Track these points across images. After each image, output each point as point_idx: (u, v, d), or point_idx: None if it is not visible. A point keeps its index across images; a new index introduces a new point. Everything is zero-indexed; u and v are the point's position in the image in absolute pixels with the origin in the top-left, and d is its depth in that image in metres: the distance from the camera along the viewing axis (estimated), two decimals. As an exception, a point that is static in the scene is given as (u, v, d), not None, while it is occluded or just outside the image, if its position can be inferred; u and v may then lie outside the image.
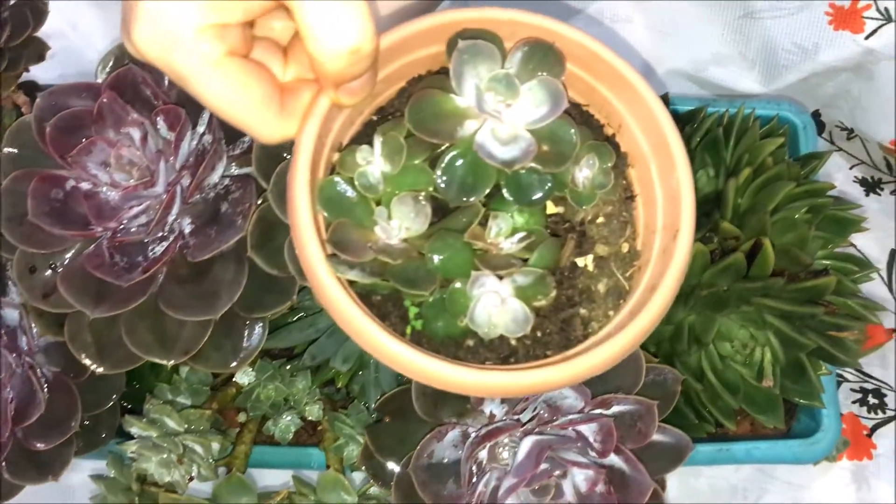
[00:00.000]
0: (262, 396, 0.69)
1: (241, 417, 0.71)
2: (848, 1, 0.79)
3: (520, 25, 0.46)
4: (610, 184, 0.46)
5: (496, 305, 0.43)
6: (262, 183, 0.58)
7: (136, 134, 0.59)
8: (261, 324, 0.62)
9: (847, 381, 0.94)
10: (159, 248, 0.58)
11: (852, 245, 0.94)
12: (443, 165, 0.44)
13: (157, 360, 0.59)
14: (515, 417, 0.60)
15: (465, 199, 0.44)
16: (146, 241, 0.59)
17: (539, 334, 0.45)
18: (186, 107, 0.59)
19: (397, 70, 0.48)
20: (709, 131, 0.69)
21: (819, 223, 0.68)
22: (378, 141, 0.44)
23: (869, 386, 0.94)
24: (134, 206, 0.58)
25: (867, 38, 0.81)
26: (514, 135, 0.44)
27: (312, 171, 0.43)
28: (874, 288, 0.97)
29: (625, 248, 0.48)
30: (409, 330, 0.45)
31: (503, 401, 0.60)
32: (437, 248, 0.43)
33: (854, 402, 0.94)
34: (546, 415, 0.60)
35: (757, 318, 0.64)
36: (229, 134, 0.60)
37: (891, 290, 0.97)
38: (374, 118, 0.49)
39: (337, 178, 0.45)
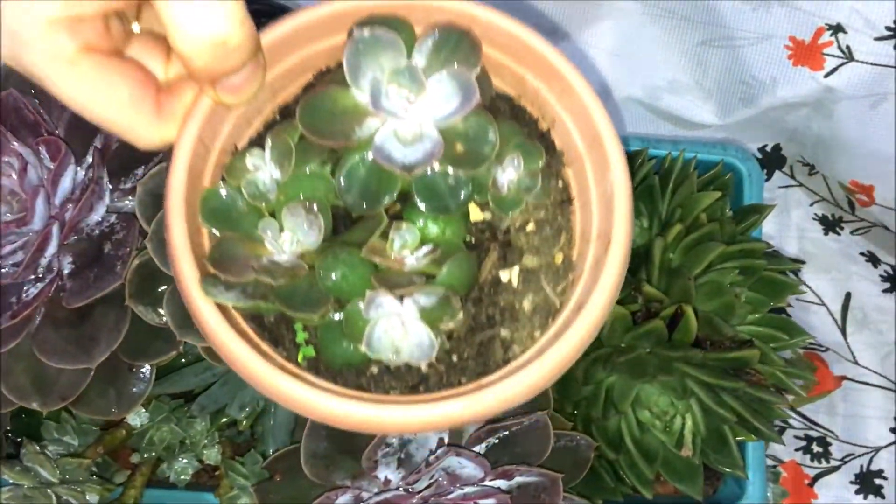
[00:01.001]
0: (155, 438, 0.65)
1: (135, 458, 0.66)
2: (808, 35, 0.74)
3: (435, 10, 0.42)
4: (537, 187, 0.43)
5: (397, 329, 0.39)
6: (144, 226, 0.53)
7: (15, 164, 0.54)
8: (147, 369, 0.60)
9: (792, 427, 0.94)
10: (34, 290, 0.53)
11: (788, 306, 0.89)
12: (343, 171, 0.40)
13: (32, 407, 0.54)
14: (411, 485, 0.58)
15: (369, 206, 0.40)
16: (21, 281, 0.54)
17: (454, 359, 0.41)
18: (75, 137, 0.53)
19: (299, 63, 0.44)
20: (646, 178, 0.64)
21: (752, 285, 0.67)
22: (268, 144, 0.41)
23: (814, 434, 0.93)
24: (8, 243, 0.53)
25: (826, 76, 0.78)
26: (419, 134, 0.40)
27: (193, 179, 0.40)
28: (827, 333, 0.96)
29: (559, 258, 0.44)
30: (300, 358, 0.41)
31: (399, 465, 0.58)
32: (328, 265, 0.39)
33: (798, 450, 0.93)
34: (445, 482, 0.58)
35: (678, 387, 0.61)
36: (124, 164, 0.55)
37: (844, 334, 0.96)
38: (277, 118, 0.45)
39: (222, 188, 0.41)
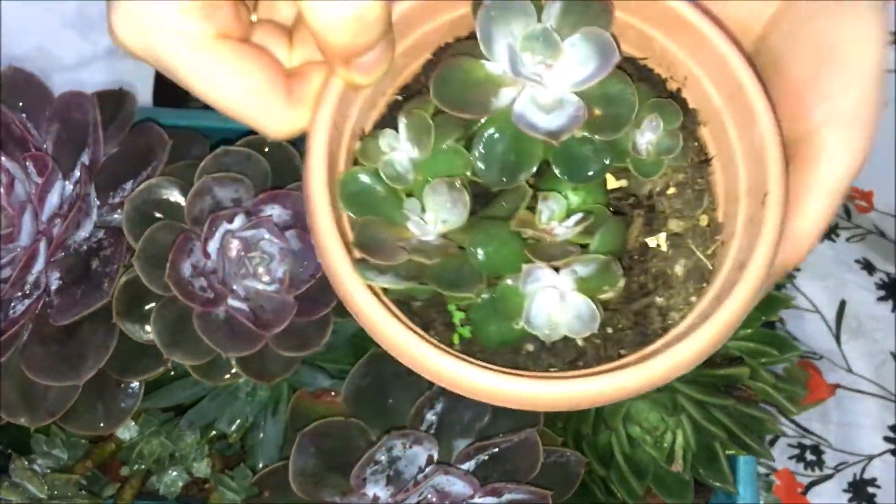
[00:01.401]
0: (145, 451, 0.64)
1: (125, 471, 0.66)
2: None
3: None
4: (678, 147, 0.41)
5: (555, 302, 0.38)
6: (132, 243, 0.53)
7: (2, 179, 0.53)
8: (136, 384, 0.61)
9: (785, 435, 0.93)
10: (21, 307, 0.53)
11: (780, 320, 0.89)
12: (479, 144, 0.39)
13: (20, 423, 0.54)
14: (400, 503, 0.58)
15: (508, 180, 0.39)
16: (9, 298, 0.53)
17: (610, 331, 0.40)
18: (63, 152, 0.53)
19: (419, 40, 0.43)
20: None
21: None
22: (402, 123, 0.39)
23: (807, 442, 0.93)
24: (-4, 259, 0.53)
25: None
26: (559, 99, 0.38)
27: (330, 164, 0.39)
28: (821, 340, 0.96)
29: (703, 221, 0.42)
30: (455, 339, 0.40)
31: (388, 482, 0.58)
32: (479, 241, 0.38)
33: (791, 458, 0.92)
34: (434, 500, 0.58)
35: (668, 403, 0.61)
36: (113, 178, 0.54)
37: (838, 342, 0.96)
38: (399, 98, 0.44)
39: (359, 171, 0.40)
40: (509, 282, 0.38)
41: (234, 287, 0.56)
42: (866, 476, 0.89)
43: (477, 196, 0.40)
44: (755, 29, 0.44)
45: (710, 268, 0.41)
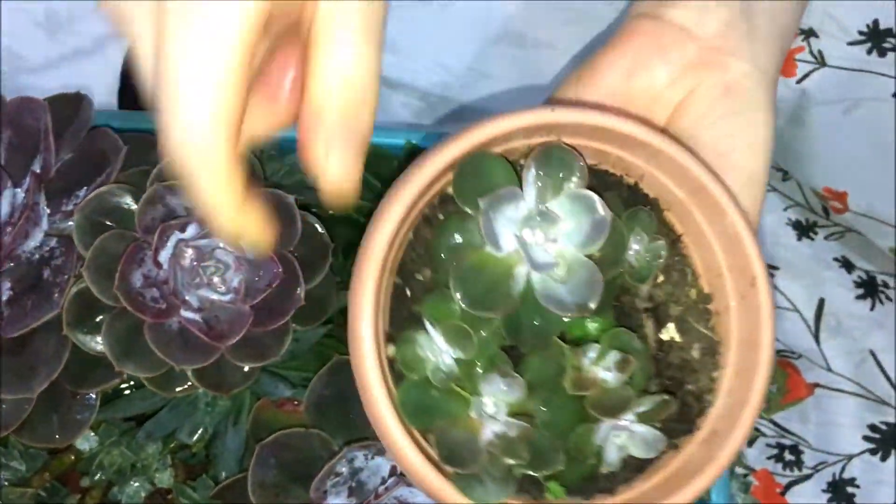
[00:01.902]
0: (105, 462, 0.63)
1: (86, 482, 0.64)
2: (780, 43, 0.72)
3: (519, 131, 0.44)
4: (664, 250, 0.46)
5: (624, 440, 0.44)
6: (82, 252, 0.51)
7: (-47, 187, 0.52)
8: (93, 395, 0.60)
9: (764, 435, 0.92)
10: (-31, 318, 0.51)
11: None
12: (509, 325, 0.43)
13: (-29, 436, 0.53)
14: None
15: (541, 345, 0.43)
16: (-41, 308, 0.52)
17: (659, 426, 0.45)
18: (14, 160, 0.51)
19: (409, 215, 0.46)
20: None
21: None
22: (435, 330, 0.43)
23: (786, 441, 0.91)
24: (-56, 270, 0.51)
25: (798, 81, 0.74)
26: (572, 268, 0.42)
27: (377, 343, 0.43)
28: (800, 339, 0.94)
29: (692, 294, 0.47)
30: (553, 497, 0.45)
31: (350, 494, 0.58)
32: (547, 419, 0.43)
33: (769, 458, 0.91)
34: None
35: None
36: (66, 185, 0.52)
37: (817, 340, 0.93)
38: (399, 282, 0.46)
39: (412, 386, 0.43)
40: (586, 434, 0.43)
41: (188, 297, 0.55)
42: (846, 476, 0.88)
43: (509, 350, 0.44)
44: (665, 112, 0.50)
45: (718, 340, 0.46)
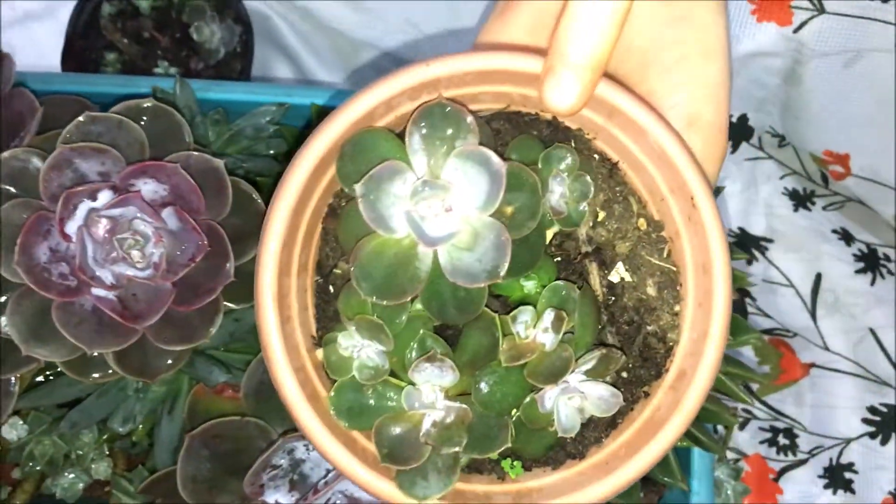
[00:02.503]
0: (36, 452, 0.59)
1: (17, 474, 0.60)
2: (774, -12, 0.67)
3: (400, 95, 0.40)
4: (591, 187, 0.42)
5: (578, 403, 0.41)
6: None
7: None
8: (12, 381, 0.56)
9: (756, 418, 0.88)
10: None
11: (750, 286, 0.81)
12: (430, 305, 0.39)
13: None
14: None
15: (471, 315, 0.40)
16: None
17: (626, 375, 0.43)
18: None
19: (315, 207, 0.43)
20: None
21: None
22: (353, 328, 0.40)
23: (780, 425, 0.87)
24: None
25: (795, 31, 0.69)
26: (477, 232, 0.38)
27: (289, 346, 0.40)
28: (795, 317, 0.89)
29: (642, 225, 0.44)
30: (513, 474, 0.43)
31: (293, 487, 0.54)
32: (485, 397, 0.40)
33: (762, 443, 0.87)
34: None
35: None
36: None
37: (813, 318, 0.89)
38: (320, 279, 0.44)
39: (341, 389, 0.41)
40: (532, 404, 0.40)
41: (100, 274, 0.49)
42: (843, 460, 0.84)
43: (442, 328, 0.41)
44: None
45: (675, 269, 0.43)
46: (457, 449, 0.39)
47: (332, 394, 0.41)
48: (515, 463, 0.43)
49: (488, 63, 0.40)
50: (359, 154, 0.39)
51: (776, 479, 0.84)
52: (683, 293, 0.42)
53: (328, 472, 0.55)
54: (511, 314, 0.40)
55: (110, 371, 0.53)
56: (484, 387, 0.39)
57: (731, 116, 0.84)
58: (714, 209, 0.40)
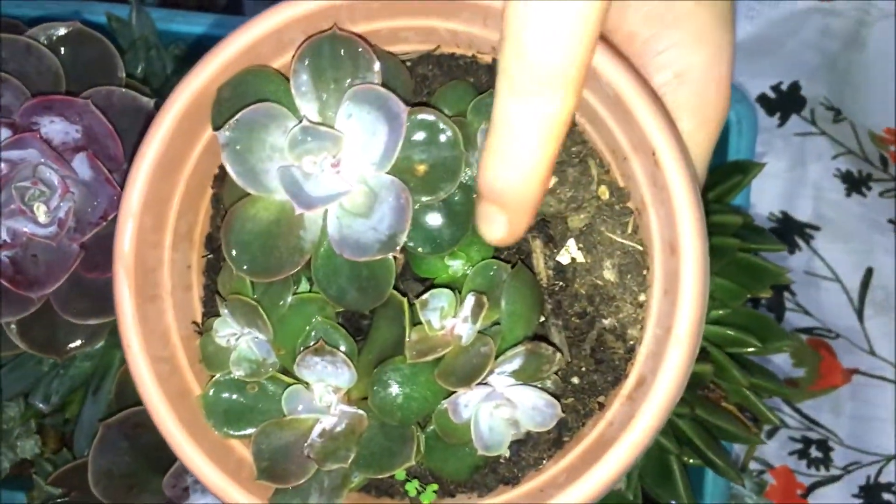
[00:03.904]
0: (-45, 425, 0.51)
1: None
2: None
3: (290, 27, 0.33)
4: None
5: (504, 413, 0.33)
6: None
7: None
8: None
9: (787, 426, 0.79)
10: None
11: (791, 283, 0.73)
12: (325, 283, 0.32)
13: None
14: None
15: (376, 300, 0.33)
16: None
17: (576, 381, 0.34)
18: None
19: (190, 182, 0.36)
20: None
21: (722, 270, 0.50)
22: (225, 312, 0.33)
23: (814, 435, 0.79)
24: None
25: None
26: (373, 193, 0.31)
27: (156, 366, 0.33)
28: (839, 315, 0.80)
29: (604, 193, 0.35)
30: (414, 492, 0.35)
31: None
32: (385, 399, 0.32)
33: (792, 454, 0.79)
34: None
35: None
36: None
37: (860, 318, 0.80)
38: (210, 256, 0.36)
39: (215, 388, 0.34)
40: (444, 412, 0.32)
41: (-9, 230, 0.40)
42: (882, 479, 0.76)
43: (350, 321, 0.34)
44: None
45: (641, 248, 0.34)
46: (343, 465, 0.32)
47: (207, 392, 0.34)
48: (429, 487, 0.34)
49: None
50: (237, 99, 0.32)
51: (805, 496, 0.76)
52: (650, 279, 0.34)
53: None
54: (424, 298, 0.32)
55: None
56: (382, 388, 0.32)
57: (780, 84, 0.76)
58: (683, 169, 0.31)
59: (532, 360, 0.32)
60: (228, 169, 0.30)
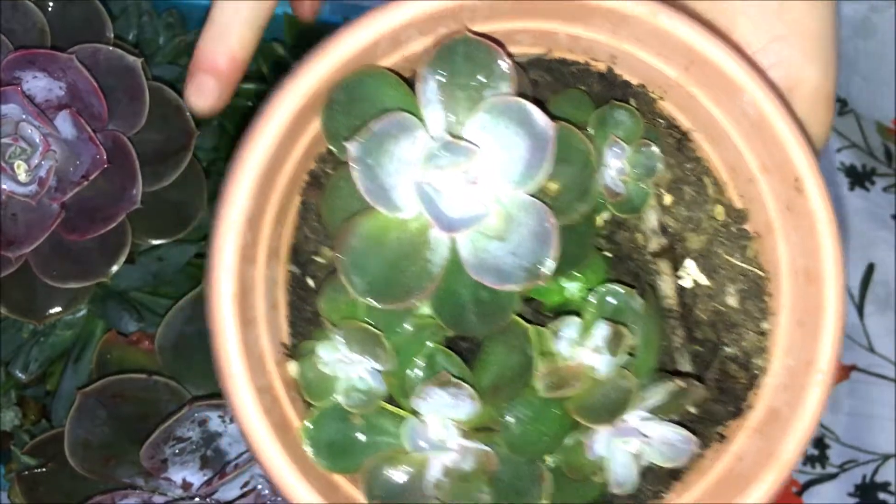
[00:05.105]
0: (-69, 393, 0.50)
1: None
2: None
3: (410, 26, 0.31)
4: (657, 162, 0.33)
5: (633, 447, 0.32)
6: None
7: None
8: None
9: None
10: None
11: None
12: (439, 306, 0.30)
13: None
14: (213, 492, 0.47)
15: (496, 325, 0.31)
16: None
17: (695, 410, 0.33)
18: None
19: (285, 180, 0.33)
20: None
21: None
22: (339, 337, 0.31)
23: None
24: None
25: None
26: (511, 216, 0.29)
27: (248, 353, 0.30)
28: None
29: (719, 213, 0.34)
30: None
31: (205, 464, 0.46)
32: (515, 438, 0.30)
33: None
34: (268, 492, 0.47)
35: None
36: None
37: (860, 314, 0.80)
38: (297, 271, 0.34)
39: (321, 419, 0.32)
40: (579, 447, 0.31)
41: (-34, 188, 0.39)
42: (878, 479, 0.76)
43: (456, 342, 0.32)
44: None
45: (762, 273, 0.33)
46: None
47: (309, 424, 0.31)
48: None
49: None
50: (354, 103, 0.29)
51: (799, 494, 0.76)
52: (774, 306, 0.33)
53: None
54: (552, 326, 0.30)
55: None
56: (515, 423, 0.30)
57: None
58: (827, 198, 0.30)
59: (677, 395, 0.31)
60: (359, 185, 0.28)
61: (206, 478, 0.45)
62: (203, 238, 0.49)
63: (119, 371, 0.48)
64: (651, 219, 0.34)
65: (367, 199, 0.28)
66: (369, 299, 0.28)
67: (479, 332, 0.31)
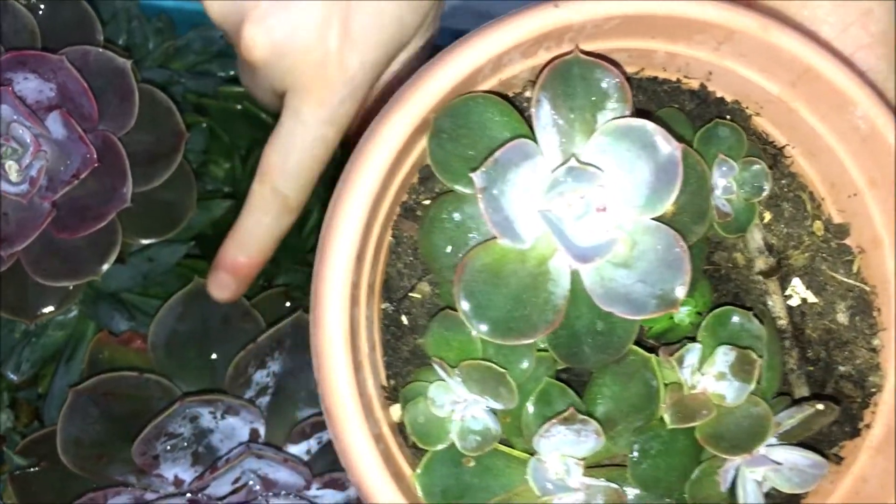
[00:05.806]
0: (-78, 397, 0.49)
1: None
2: None
3: (513, 49, 0.29)
4: (766, 179, 0.32)
5: (758, 475, 0.30)
6: None
7: None
8: None
9: None
10: None
11: None
12: (555, 338, 0.28)
13: None
14: (204, 488, 0.46)
15: (607, 357, 0.29)
16: None
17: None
18: None
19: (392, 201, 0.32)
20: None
21: None
22: (450, 376, 0.29)
23: None
24: None
25: None
26: (638, 243, 0.28)
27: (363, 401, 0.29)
28: None
29: (818, 229, 0.33)
30: None
31: (196, 461, 0.46)
32: (644, 474, 0.29)
33: None
34: (258, 488, 0.47)
35: None
36: None
37: None
38: (392, 308, 0.32)
39: (433, 459, 0.30)
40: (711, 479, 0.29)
41: (-42, 187, 0.39)
42: None
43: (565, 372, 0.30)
44: None
45: (869, 288, 0.32)
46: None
47: (420, 471, 0.29)
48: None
49: (644, 6, 0.29)
50: (461, 130, 0.28)
51: None
52: (884, 321, 0.32)
53: (241, 446, 0.46)
54: (676, 354, 0.28)
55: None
56: (643, 458, 0.28)
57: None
58: None
59: (807, 422, 0.30)
60: (486, 218, 0.26)
61: (197, 474, 0.44)
62: (193, 238, 0.49)
63: (111, 370, 0.48)
64: (756, 237, 0.33)
65: (494, 231, 0.27)
66: (490, 337, 0.27)
67: (592, 363, 0.29)
